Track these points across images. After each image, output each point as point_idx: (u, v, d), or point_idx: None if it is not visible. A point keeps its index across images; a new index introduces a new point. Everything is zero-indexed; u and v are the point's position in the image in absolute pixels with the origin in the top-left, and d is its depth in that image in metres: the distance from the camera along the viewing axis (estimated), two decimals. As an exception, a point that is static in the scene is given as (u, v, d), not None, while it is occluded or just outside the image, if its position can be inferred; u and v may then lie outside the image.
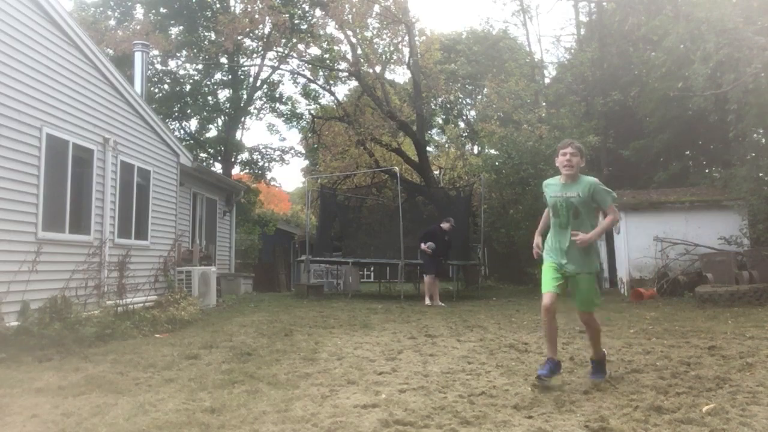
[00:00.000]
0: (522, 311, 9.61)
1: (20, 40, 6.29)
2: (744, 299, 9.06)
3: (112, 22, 19.68)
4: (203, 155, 22.34)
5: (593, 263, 4.19)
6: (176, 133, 20.74)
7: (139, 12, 20.81)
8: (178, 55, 20.60)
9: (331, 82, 21.78)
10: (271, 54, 21.39)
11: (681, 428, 3.04)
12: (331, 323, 7.97)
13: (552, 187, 4.27)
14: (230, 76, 21.70)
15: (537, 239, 4.43)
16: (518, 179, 16.37)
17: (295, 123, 25.17)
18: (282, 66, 21.35)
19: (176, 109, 21.03)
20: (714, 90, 11.81)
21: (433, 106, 25.50)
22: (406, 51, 19.06)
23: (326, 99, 23.81)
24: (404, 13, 17.42)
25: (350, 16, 17.03)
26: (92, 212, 7.66)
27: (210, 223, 14.03)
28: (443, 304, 10.92)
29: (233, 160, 22.40)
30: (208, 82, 21.99)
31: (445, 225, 11.55)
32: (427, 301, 10.97)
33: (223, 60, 20.72)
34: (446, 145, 28.83)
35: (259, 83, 22.34)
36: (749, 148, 13.58)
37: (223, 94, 22.37)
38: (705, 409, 3.33)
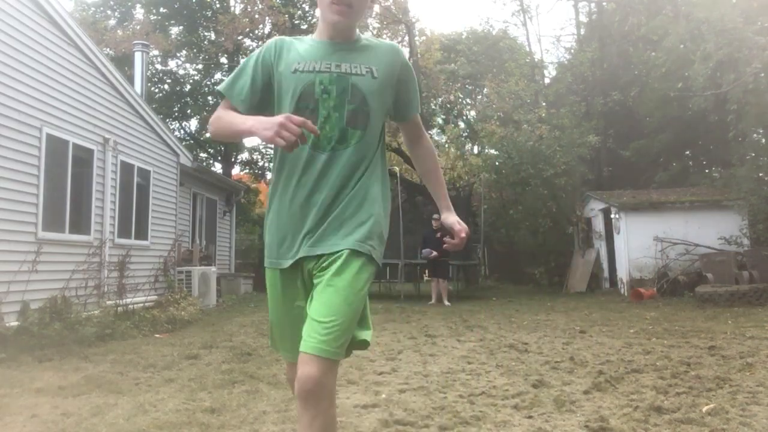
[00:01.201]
0: (522, 311, 9.62)
1: (20, 40, 6.29)
2: (744, 299, 9.05)
3: (112, 22, 19.70)
4: (203, 155, 22.35)
5: (374, 238, 1.73)
6: (176, 133, 20.74)
7: (139, 12, 20.82)
8: (178, 55, 20.61)
9: (332, 82, 21.78)
10: (271, 54, 21.40)
11: (681, 428, 3.04)
12: (331, 323, 7.96)
13: (296, 51, 1.78)
14: (230, 76, 21.70)
15: None
16: (518, 179, 16.36)
17: (295, 123, 25.16)
18: (282, 66, 21.35)
19: (176, 109, 21.03)
20: (714, 90, 11.82)
21: (433, 106, 25.47)
22: (406, 51, 19.06)
23: (326, 99, 23.80)
24: (404, 13, 17.43)
25: (350, 16, 17.04)
26: (92, 212, 7.66)
27: (210, 223, 14.03)
28: (448, 304, 11.05)
29: (233, 160, 22.40)
30: (208, 82, 21.98)
31: (434, 223, 11.52)
32: (446, 302, 11.12)
33: (223, 60, 20.72)
34: (446, 145, 28.81)
35: (259, 83, 22.34)
36: (749, 148, 13.59)
37: (223, 94, 22.37)
38: (705, 409, 3.33)
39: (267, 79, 1.79)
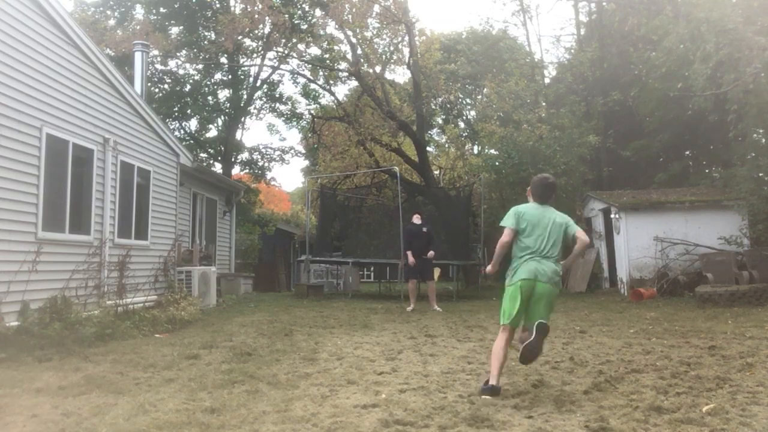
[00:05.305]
0: (522, 311, 9.60)
1: (20, 40, 6.29)
2: (744, 299, 9.05)
3: (112, 22, 19.67)
4: (203, 155, 22.33)
5: None
6: (176, 133, 20.72)
7: (139, 12, 20.80)
8: (178, 55, 20.59)
9: (331, 82, 21.76)
10: (271, 54, 21.38)
11: (681, 428, 3.04)
12: (331, 323, 7.97)
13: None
14: (230, 76, 21.68)
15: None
16: (518, 179, 16.35)
17: (295, 123, 25.16)
18: (282, 66, 21.33)
19: (176, 109, 21.01)
20: (714, 90, 11.79)
21: (433, 106, 25.46)
22: (406, 51, 19.04)
23: (326, 99, 23.80)
24: (404, 13, 17.39)
25: (350, 16, 17.00)
26: (92, 212, 7.65)
27: (210, 223, 14.03)
28: (439, 309, 10.46)
29: (233, 160, 22.38)
30: (208, 82, 21.96)
31: (417, 220, 11.07)
32: (436, 306, 10.39)
33: (223, 60, 20.70)
34: (446, 145, 28.82)
35: (259, 83, 22.33)
36: (749, 148, 13.57)
37: (223, 94, 22.36)
38: (705, 409, 3.34)
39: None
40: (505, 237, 4.09)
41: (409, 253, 10.65)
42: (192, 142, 21.87)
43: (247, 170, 23.49)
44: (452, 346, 5.90)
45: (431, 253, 10.78)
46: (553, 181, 4.30)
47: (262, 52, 21.30)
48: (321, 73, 21.01)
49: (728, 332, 6.38)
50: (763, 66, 10.24)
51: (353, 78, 18.94)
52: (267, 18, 17.03)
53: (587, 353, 5.32)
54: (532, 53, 23.83)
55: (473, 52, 26.11)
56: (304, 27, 19.82)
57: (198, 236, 13.15)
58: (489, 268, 4.35)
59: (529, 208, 4.16)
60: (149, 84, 17.87)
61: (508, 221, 4.09)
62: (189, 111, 21.36)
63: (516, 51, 24.17)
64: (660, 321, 7.71)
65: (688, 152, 18.66)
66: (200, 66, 20.96)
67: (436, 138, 29.39)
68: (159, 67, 20.69)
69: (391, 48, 20.10)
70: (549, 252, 3.98)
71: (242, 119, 22.72)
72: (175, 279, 9.58)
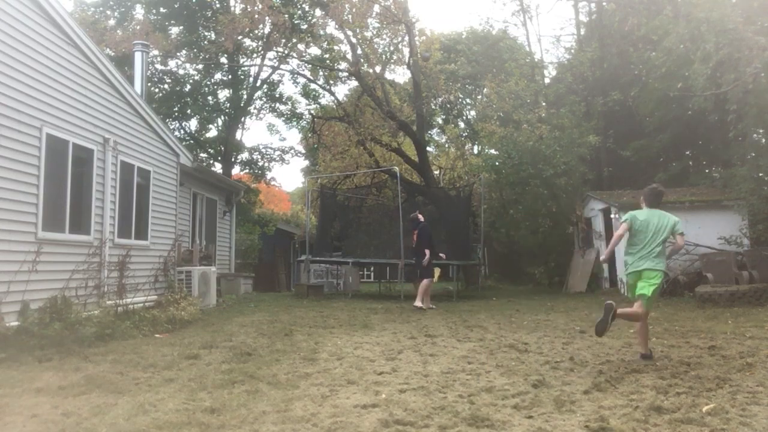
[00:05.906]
0: (522, 311, 9.62)
1: (20, 40, 6.29)
2: (744, 299, 9.05)
3: (112, 22, 19.67)
4: (203, 155, 22.33)
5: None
6: (176, 133, 20.72)
7: (138, 12, 20.80)
8: (178, 55, 20.59)
9: (331, 82, 21.76)
10: (271, 54, 21.38)
11: (681, 428, 3.04)
12: (331, 323, 7.97)
13: None
14: (230, 76, 21.68)
15: None
16: (518, 179, 16.36)
17: (295, 123, 25.16)
18: (282, 66, 21.33)
19: (176, 109, 21.00)
20: (714, 90, 11.79)
21: (433, 106, 25.47)
22: (406, 51, 19.04)
23: (326, 99, 23.80)
24: (404, 13, 17.39)
25: (350, 16, 16.99)
26: (92, 212, 7.65)
27: (210, 223, 14.02)
28: (433, 306, 10.60)
29: (233, 160, 22.38)
30: (208, 82, 21.96)
31: (422, 217, 11.38)
32: (420, 303, 10.30)
33: (223, 60, 20.70)
34: (446, 145, 28.83)
35: (259, 83, 22.33)
36: (749, 148, 13.58)
37: (223, 94, 22.36)
38: (705, 409, 3.34)
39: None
40: (620, 230, 5.04)
41: (428, 251, 10.64)
42: (192, 142, 21.87)
43: (247, 170, 23.49)
44: (452, 346, 5.90)
45: (443, 255, 11.31)
46: (662, 189, 5.23)
47: (262, 52, 21.31)
48: (321, 73, 21.01)
49: (728, 332, 6.38)
50: (763, 66, 10.23)
51: (353, 78, 18.93)
52: (267, 18, 17.03)
53: (587, 353, 5.32)
54: (532, 53, 23.86)
55: (473, 52, 26.12)
56: (304, 27, 19.81)
57: (198, 236, 13.15)
58: (603, 257, 5.40)
59: (641, 213, 5.03)
60: (149, 84, 17.87)
61: (625, 217, 5.07)
62: (189, 111, 21.36)
63: (516, 51, 24.18)
64: (660, 321, 7.71)
65: (688, 152, 18.67)
66: (200, 66, 20.96)
67: (436, 138, 29.40)
68: (159, 67, 20.69)
69: (391, 48, 20.11)
70: (653, 249, 4.92)
71: (242, 119, 22.72)
72: (175, 279, 9.58)
